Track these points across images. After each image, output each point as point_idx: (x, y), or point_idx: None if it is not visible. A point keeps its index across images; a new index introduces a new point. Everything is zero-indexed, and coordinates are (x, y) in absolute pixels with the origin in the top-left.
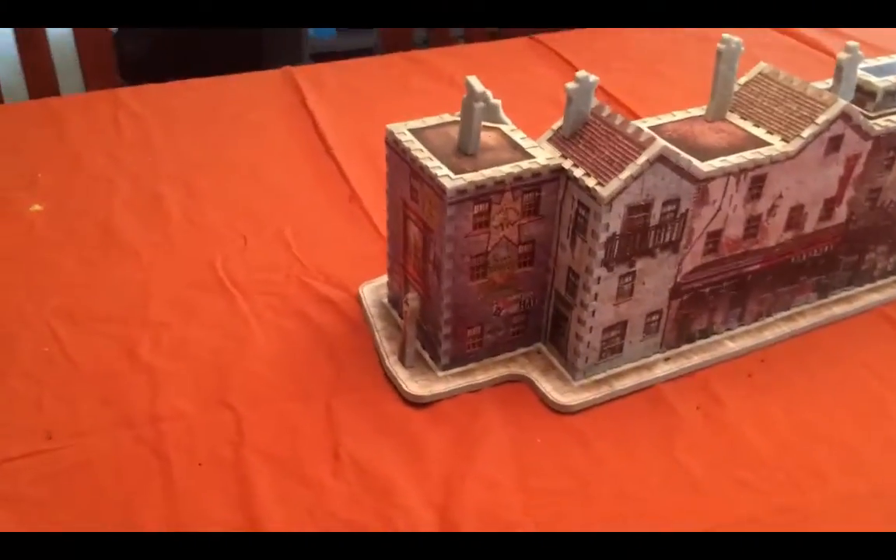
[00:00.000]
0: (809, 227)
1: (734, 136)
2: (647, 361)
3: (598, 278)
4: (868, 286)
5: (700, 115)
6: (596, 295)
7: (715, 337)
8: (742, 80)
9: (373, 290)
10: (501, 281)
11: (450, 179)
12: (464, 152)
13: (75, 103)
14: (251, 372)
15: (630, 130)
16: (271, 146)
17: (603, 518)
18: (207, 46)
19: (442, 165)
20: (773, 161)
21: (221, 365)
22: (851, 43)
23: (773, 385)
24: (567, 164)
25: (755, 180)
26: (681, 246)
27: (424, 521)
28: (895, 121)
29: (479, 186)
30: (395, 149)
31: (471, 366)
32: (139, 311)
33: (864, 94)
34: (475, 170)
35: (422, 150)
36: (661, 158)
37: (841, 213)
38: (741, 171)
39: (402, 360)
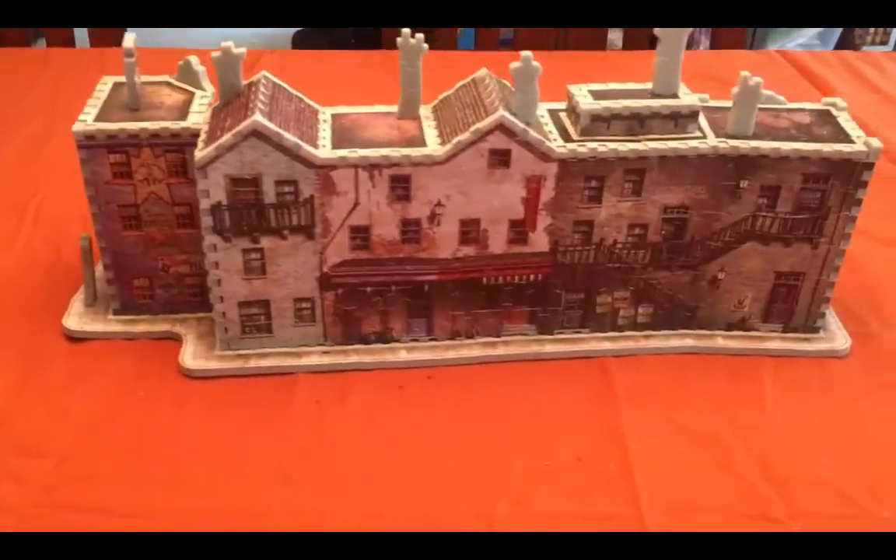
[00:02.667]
0: (497, 247)
1: (403, 134)
2: (303, 350)
3: (214, 246)
4: (607, 334)
5: (394, 112)
6: (217, 263)
7: (395, 344)
8: (458, 85)
9: None
10: (162, 238)
11: (83, 125)
12: (130, 108)
13: None
14: None
15: (254, 104)
16: None
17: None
18: None
19: (92, 113)
20: (414, 163)
21: None
22: (525, 53)
23: (411, 402)
24: (205, 129)
25: (396, 179)
26: (316, 233)
27: None
28: (589, 147)
29: (111, 135)
30: None
31: (143, 316)
32: None
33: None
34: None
35: (96, 102)
36: (258, 134)
37: (540, 240)
38: (372, 166)
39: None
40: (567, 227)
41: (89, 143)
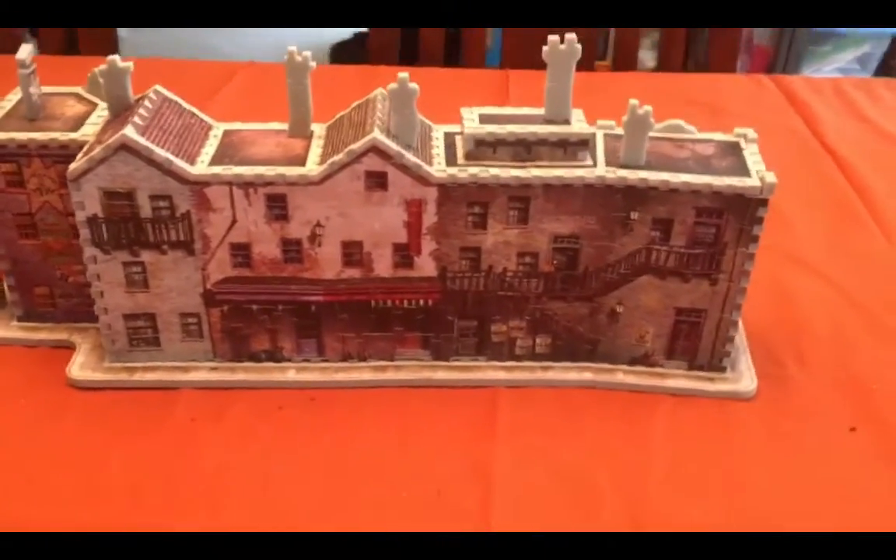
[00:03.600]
0: (383, 270)
1: (287, 152)
2: (191, 365)
3: (94, 258)
4: (504, 363)
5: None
6: (98, 276)
7: (286, 363)
8: (354, 104)
9: None
10: (58, 247)
11: None
12: (28, 118)
13: None
14: None
15: (131, 118)
16: None
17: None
18: None
19: None
20: (289, 182)
21: None
22: (402, 74)
23: (285, 424)
24: (91, 142)
25: (273, 198)
26: (196, 249)
27: None
28: (469, 173)
29: (1, 145)
30: None
31: (45, 324)
32: None
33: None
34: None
35: None
36: (128, 148)
37: (427, 265)
38: (247, 184)
39: None
40: (453, 253)
41: None
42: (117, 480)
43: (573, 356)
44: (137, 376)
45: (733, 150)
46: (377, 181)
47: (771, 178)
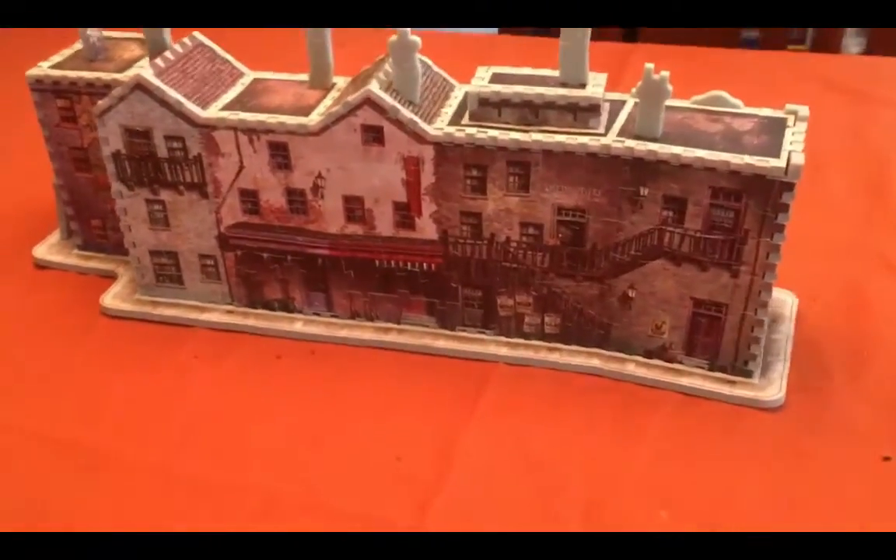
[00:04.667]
0: (384, 229)
1: (299, 101)
2: (209, 306)
3: (120, 193)
4: (511, 339)
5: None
6: (125, 210)
7: (297, 314)
8: (380, 57)
9: None
10: (107, 182)
11: (36, 70)
12: (87, 58)
13: None
14: None
15: (158, 60)
16: None
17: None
18: None
19: (53, 61)
20: (289, 131)
21: None
22: (402, 29)
23: (278, 373)
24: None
25: (276, 147)
26: (209, 192)
27: None
28: (466, 133)
29: (56, 81)
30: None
31: (98, 254)
32: None
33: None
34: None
35: (66, 52)
36: (142, 88)
37: (428, 227)
38: (250, 130)
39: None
40: (454, 217)
41: (39, 87)
42: (112, 405)
43: (584, 340)
44: (159, 311)
45: (776, 127)
46: (373, 135)
47: (798, 159)
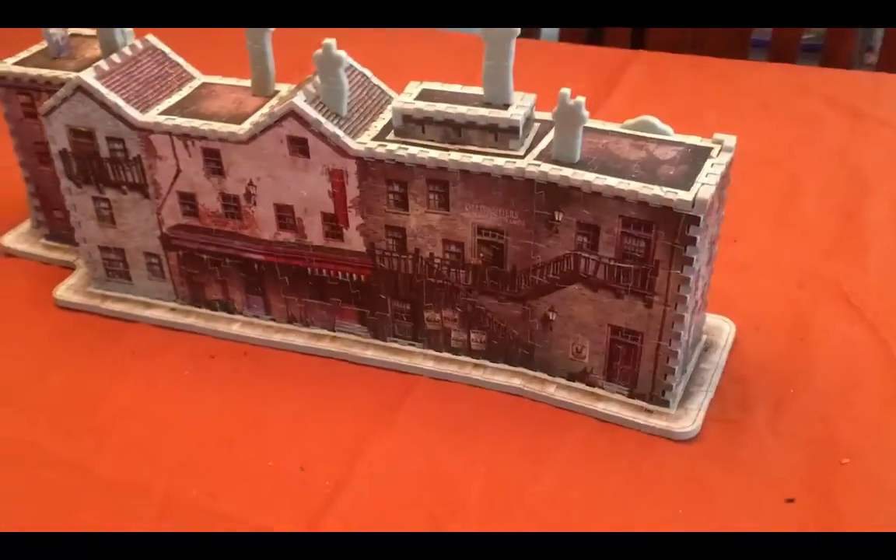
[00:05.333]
0: (315, 238)
1: (238, 108)
2: (155, 302)
3: (69, 190)
4: (439, 354)
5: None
6: (75, 206)
7: (238, 316)
8: None
9: None
10: None
11: (1, 66)
12: (52, 57)
13: None
14: None
15: (101, 62)
16: None
17: None
18: None
19: (18, 58)
20: (221, 138)
21: None
22: (328, 40)
23: (205, 372)
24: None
25: (209, 152)
26: (150, 193)
27: None
28: (387, 149)
29: (17, 78)
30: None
31: (63, 245)
32: None
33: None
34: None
35: (32, 49)
36: (83, 90)
37: (355, 239)
38: (184, 135)
39: None
40: (379, 231)
41: (3, 83)
42: (42, 397)
43: (509, 359)
44: (107, 305)
45: (698, 157)
46: (299, 147)
47: (705, 193)
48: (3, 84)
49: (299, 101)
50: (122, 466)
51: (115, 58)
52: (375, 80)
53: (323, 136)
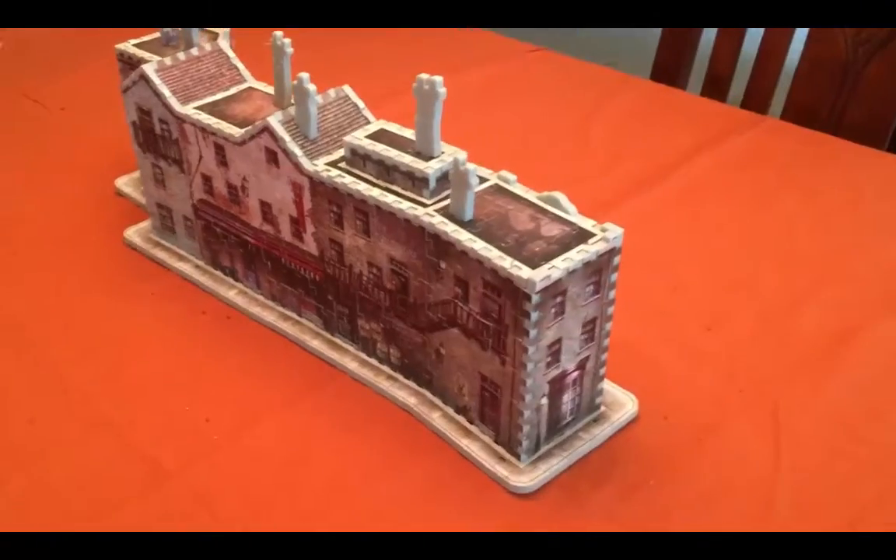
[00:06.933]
0: (285, 234)
1: (256, 114)
2: (187, 257)
3: (138, 153)
4: (368, 358)
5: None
6: (142, 167)
7: (237, 284)
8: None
9: None
10: None
11: (122, 45)
12: (163, 43)
13: None
14: None
15: (166, 58)
16: None
17: None
18: None
19: (140, 40)
20: (224, 137)
21: None
22: (303, 74)
23: (195, 326)
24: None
25: (217, 147)
26: (184, 168)
27: None
28: (327, 175)
29: (131, 57)
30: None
31: None
32: None
33: None
34: None
35: (154, 35)
36: (145, 78)
37: (310, 243)
38: (202, 129)
39: None
40: (326, 241)
41: (122, 59)
42: (68, 311)
43: (417, 379)
44: (155, 251)
45: (575, 241)
46: (272, 157)
47: (541, 275)
48: (122, 60)
49: (273, 120)
50: (91, 387)
51: (181, 55)
52: (365, 113)
53: (286, 152)
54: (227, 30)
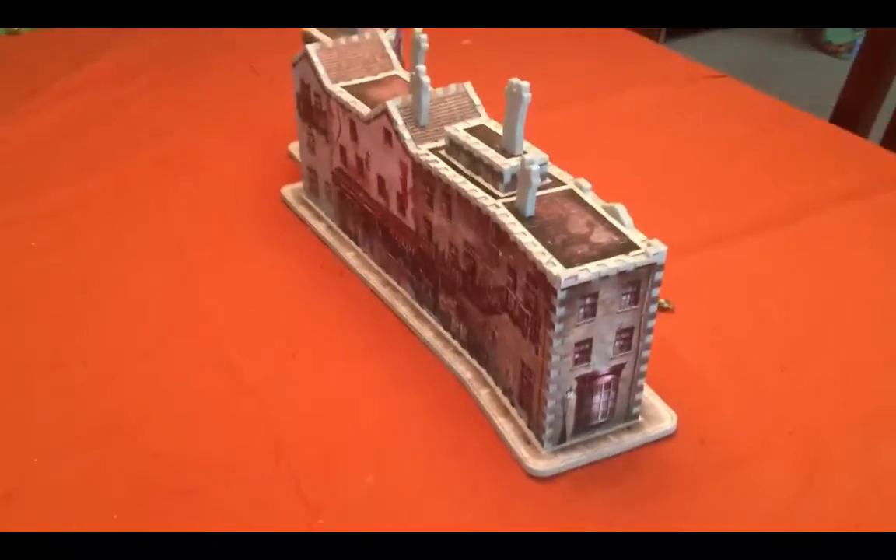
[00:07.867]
0: (392, 208)
1: (392, 96)
2: (323, 217)
3: (298, 121)
4: (442, 330)
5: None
6: (299, 133)
7: (356, 248)
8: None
9: None
10: None
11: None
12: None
13: None
14: None
15: (329, 41)
16: None
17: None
18: None
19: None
20: (356, 115)
21: None
22: (420, 66)
23: (310, 279)
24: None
25: (351, 123)
26: (328, 138)
27: None
28: (424, 159)
29: (313, 38)
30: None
31: None
32: None
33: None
34: None
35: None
36: (307, 56)
37: (410, 219)
38: (340, 105)
39: None
40: (420, 218)
41: (306, 39)
42: (221, 251)
43: (478, 357)
44: (300, 208)
45: (617, 251)
46: (387, 137)
47: (566, 273)
48: (305, 40)
49: (392, 104)
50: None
51: (342, 40)
52: (479, 109)
53: (398, 134)
54: (395, 29)
